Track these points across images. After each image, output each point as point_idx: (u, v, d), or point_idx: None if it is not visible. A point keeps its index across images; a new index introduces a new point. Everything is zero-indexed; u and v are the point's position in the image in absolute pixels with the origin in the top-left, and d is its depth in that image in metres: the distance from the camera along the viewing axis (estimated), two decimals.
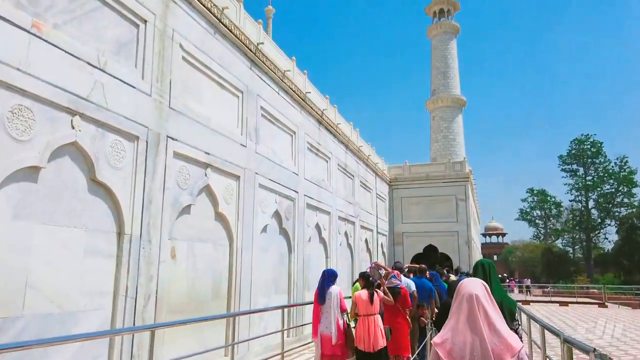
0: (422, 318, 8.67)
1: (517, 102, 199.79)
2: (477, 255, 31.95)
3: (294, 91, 11.48)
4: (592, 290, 35.49)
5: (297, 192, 11.55)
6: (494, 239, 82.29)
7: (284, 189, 10.89)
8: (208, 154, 8.08)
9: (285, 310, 10.77)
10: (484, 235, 75.94)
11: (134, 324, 6.27)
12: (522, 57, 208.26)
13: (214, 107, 8.55)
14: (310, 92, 12.44)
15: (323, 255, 13.46)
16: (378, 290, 7.24)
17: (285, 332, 10.68)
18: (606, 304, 25.64)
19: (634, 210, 54.06)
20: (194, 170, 7.79)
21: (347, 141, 15.69)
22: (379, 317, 6.90)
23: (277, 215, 10.67)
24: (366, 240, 17.99)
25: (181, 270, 7.47)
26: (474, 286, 2.23)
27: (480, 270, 3.59)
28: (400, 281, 8.21)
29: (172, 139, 7.23)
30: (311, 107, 12.58)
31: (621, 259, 52.51)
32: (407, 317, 7.83)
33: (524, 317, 6.64)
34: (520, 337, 3.45)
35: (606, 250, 57.46)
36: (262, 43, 9.96)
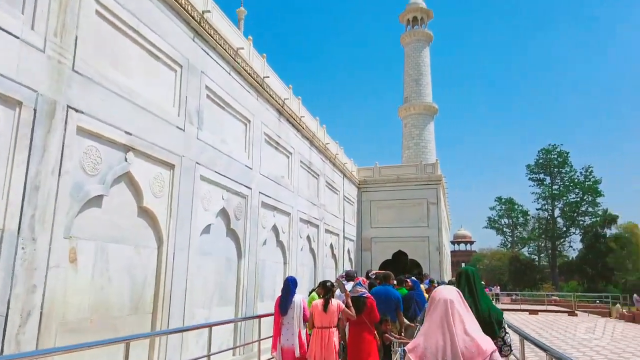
0: (386, 335, 7.16)
1: (488, 111, 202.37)
2: (448, 262, 30.74)
3: (249, 74, 9.89)
4: (554, 298, 34.72)
5: (250, 189, 9.94)
6: (462, 246, 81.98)
7: (234, 184, 9.27)
8: (130, 134, 6.41)
9: (232, 325, 9.19)
10: (453, 243, 75.45)
11: (1, 351, 4.56)
12: (493, 68, 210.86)
13: (142, 80, 6.90)
14: (268, 77, 10.86)
15: (281, 261, 11.85)
16: (334, 299, 6.21)
17: (233, 350, 9.07)
18: (576, 312, 24.69)
19: (598, 219, 54.34)
20: (109, 153, 6.12)
21: (312, 137, 14.14)
22: (334, 331, 6.10)
23: (224, 213, 9.03)
24: (331, 246, 16.42)
25: (85, 278, 5.76)
26: (449, 292, 2.20)
27: (464, 278, 3.33)
28: (366, 290, 6.77)
29: (76, 110, 5.55)
30: (270, 95, 11.01)
31: (585, 267, 52.70)
32: (376, 332, 6.47)
33: (515, 337, 5.23)
34: (510, 347, 3.31)
35: (571, 259, 57.49)
36: (209, 11, 8.35)
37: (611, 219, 53.52)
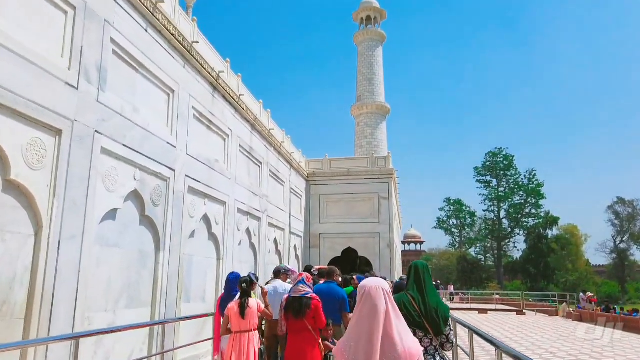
0: (326, 342, 5.82)
1: (439, 114, 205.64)
2: (399, 260, 29.87)
3: (172, 35, 8.29)
4: (496, 296, 34.72)
5: (173, 170, 8.34)
6: (412, 246, 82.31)
7: (151, 163, 7.65)
8: None
9: (146, 330, 7.58)
10: (403, 243, 75.52)
11: None
12: (444, 70, 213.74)
13: (14, 16, 5.23)
14: (198, 43, 9.27)
15: (214, 256, 10.26)
16: (252, 300, 5.44)
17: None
18: (524, 311, 24.34)
19: (540, 220, 55.76)
20: None
21: (253, 120, 12.62)
22: (254, 335, 5.41)
23: (136, 197, 7.40)
24: (276, 241, 14.92)
25: None
26: (377, 295, 2.06)
27: (414, 272, 3.29)
28: (311, 288, 5.45)
29: None
30: (201, 65, 9.44)
31: (528, 266, 53.84)
32: (320, 340, 5.24)
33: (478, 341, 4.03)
34: (452, 344, 3.25)
35: (515, 259, 58.57)
36: None
37: (553, 221, 55.06)
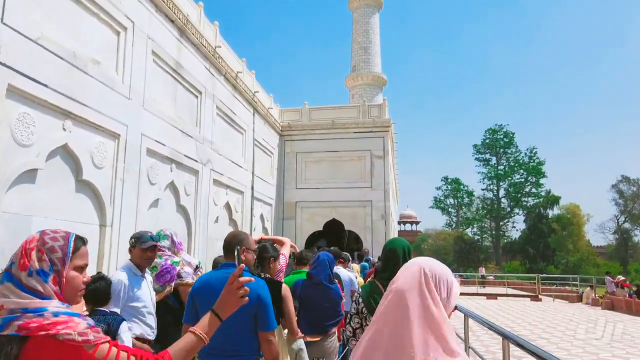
0: None
1: (436, 89, 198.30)
2: (395, 236, 25.62)
3: None
4: (490, 278, 30.72)
5: None
6: (407, 226, 78.60)
7: None
8: None
9: None
10: (399, 223, 71.72)
11: None
12: (443, 43, 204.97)
13: None
14: None
15: (93, 220, 5.99)
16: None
17: None
18: (539, 296, 20.26)
19: (540, 200, 52.38)
20: None
21: (183, 22, 8.20)
22: None
23: None
24: (229, 206, 10.61)
25: None
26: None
27: (389, 254, 2.68)
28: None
29: None
30: None
31: (527, 247, 50.58)
32: None
33: None
34: None
35: (513, 239, 55.09)
36: None
37: (554, 200, 51.54)
